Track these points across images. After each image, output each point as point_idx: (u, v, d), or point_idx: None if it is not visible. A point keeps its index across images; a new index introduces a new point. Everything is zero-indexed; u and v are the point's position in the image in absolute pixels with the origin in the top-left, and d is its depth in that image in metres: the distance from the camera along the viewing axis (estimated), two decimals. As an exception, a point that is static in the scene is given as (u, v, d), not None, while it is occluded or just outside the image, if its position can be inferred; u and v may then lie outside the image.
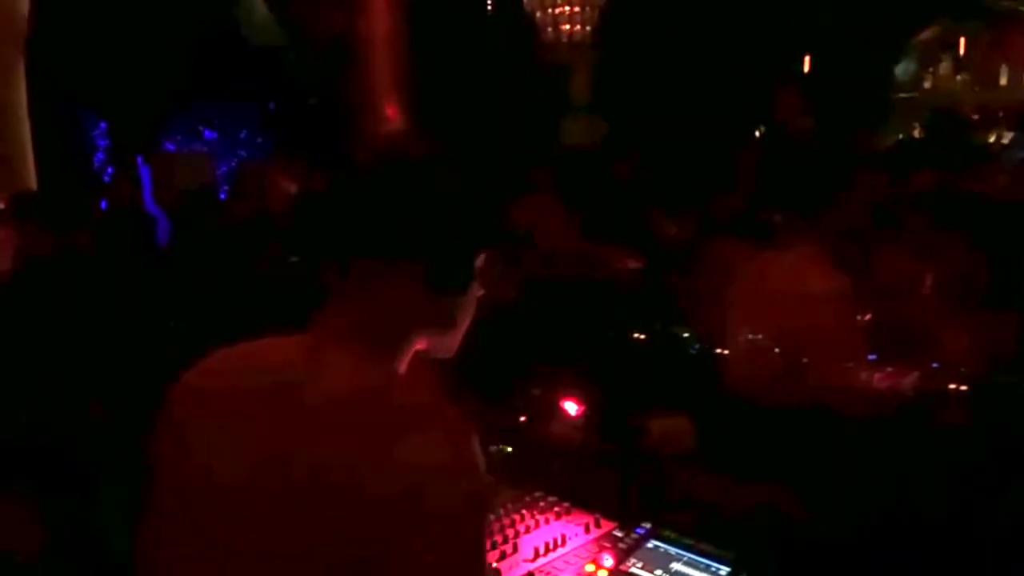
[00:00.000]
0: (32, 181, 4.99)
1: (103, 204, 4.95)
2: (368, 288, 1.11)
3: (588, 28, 5.44)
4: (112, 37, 6.01)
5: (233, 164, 6.89)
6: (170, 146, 6.48)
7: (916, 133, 6.28)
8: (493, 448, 2.24)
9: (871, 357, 2.58)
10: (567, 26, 5.28)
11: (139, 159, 5.82)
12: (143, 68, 6.10)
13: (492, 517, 1.06)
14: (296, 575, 0.99)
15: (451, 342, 1.19)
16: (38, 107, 5.16)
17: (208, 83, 6.55)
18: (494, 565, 1.58)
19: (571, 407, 2.15)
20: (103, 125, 6.31)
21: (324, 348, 1.10)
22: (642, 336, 3.10)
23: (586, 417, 2.13)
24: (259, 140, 7.00)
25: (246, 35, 6.86)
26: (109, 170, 6.27)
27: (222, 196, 6.02)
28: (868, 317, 2.55)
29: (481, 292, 1.19)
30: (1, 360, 2.68)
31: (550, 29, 5.31)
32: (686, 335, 3.13)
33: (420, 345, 1.15)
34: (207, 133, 6.76)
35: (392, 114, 4.11)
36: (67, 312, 2.96)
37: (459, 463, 1.00)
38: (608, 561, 1.64)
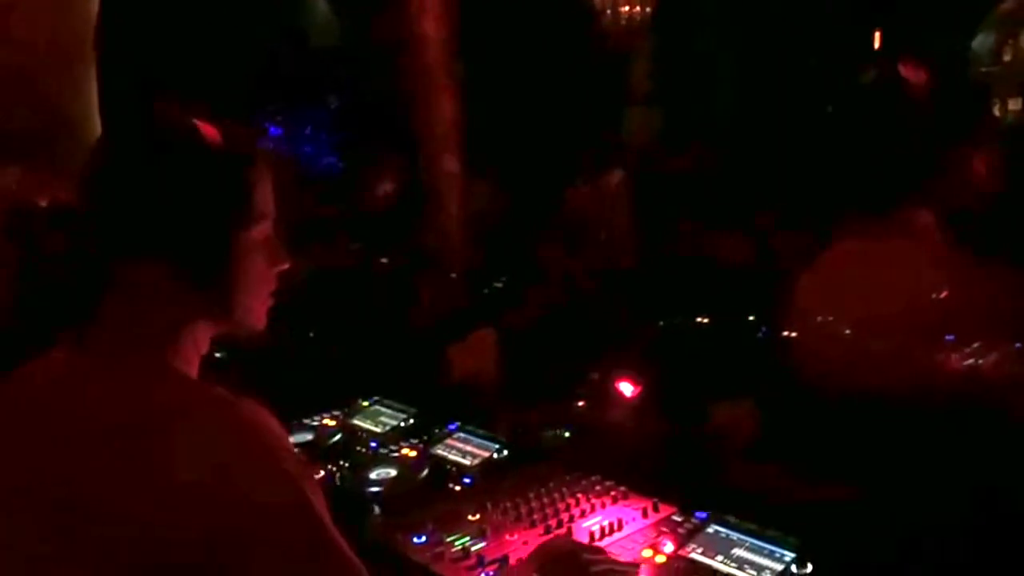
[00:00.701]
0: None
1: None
2: (123, 291, 1.06)
3: (648, 10, 5.29)
4: (181, 40, 6.14)
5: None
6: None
7: (996, 110, 6.00)
8: (549, 433, 2.20)
9: (948, 338, 2.45)
10: (626, 8, 5.14)
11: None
12: (214, 70, 6.23)
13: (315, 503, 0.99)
14: None
15: (246, 322, 1.14)
16: (110, 116, 5.30)
17: (273, 82, 6.64)
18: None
19: (627, 388, 2.10)
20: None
21: (86, 362, 1.05)
22: (706, 320, 3.02)
23: (642, 399, 2.07)
24: (323, 136, 7.10)
25: (309, 35, 6.95)
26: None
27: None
28: (944, 295, 2.42)
29: (282, 265, 1.15)
30: None
31: (608, 12, 5.18)
32: (751, 319, 3.04)
33: (210, 332, 1.12)
34: (272, 130, 6.88)
35: (448, 110, 4.11)
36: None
37: (248, 461, 0.95)
38: (667, 546, 1.58)
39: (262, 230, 1.12)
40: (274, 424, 1.01)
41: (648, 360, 2.27)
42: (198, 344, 1.12)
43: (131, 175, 1.06)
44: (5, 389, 1.10)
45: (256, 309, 1.15)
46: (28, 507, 0.97)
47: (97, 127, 5.39)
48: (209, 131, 1.07)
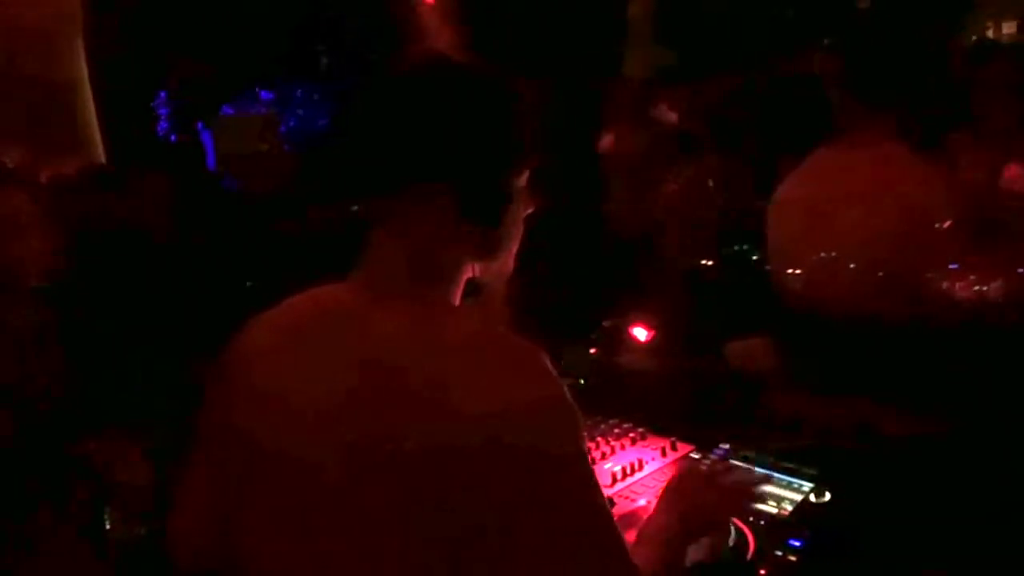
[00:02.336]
0: (100, 155, 5.11)
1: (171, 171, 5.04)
2: (402, 225, 1.05)
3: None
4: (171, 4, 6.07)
5: (292, 123, 6.91)
6: (228, 109, 6.55)
7: (991, 32, 5.93)
8: (565, 381, 2.24)
9: (952, 265, 2.47)
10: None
11: (199, 125, 5.88)
12: (204, 31, 6.16)
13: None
14: (408, 548, 0.94)
15: (503, 266, 1.14)
16: (101, 82, 5.26)
17: (263, 44, 6.56)
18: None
19: (640, 333, 2.13)
20: (163, 94, 6.43)
21: (373, 291, 1.05)
22: (711, 262, 3.04)
23: (656, 342, 2.11)
24: (316, 97, 7.02)
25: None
26: (172, 138, 6.40)
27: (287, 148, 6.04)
28: (948, 223, 2.43)
29: (529, 211, 1.14)
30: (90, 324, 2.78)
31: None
32: (755, 257, 3.06)
33: (471, 273, 1.11)
34: (263, 94, 6.82)
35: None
36: (146, 278, 3.05)
37: (546, 392, 0.96)
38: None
39: (527, 175, 1.12)
40: (551, 363, 1.01)
41: (658, 303, 2.30)
42: (462, 282, 1.11)
43: (441, 96, 1.04)
44: (284, 321, 1.11)
45: (512, 253, 1.15)
46: (363, 435, 0.97)
47: (88, 102, 5.38)
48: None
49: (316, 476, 0.99)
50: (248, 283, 3.38)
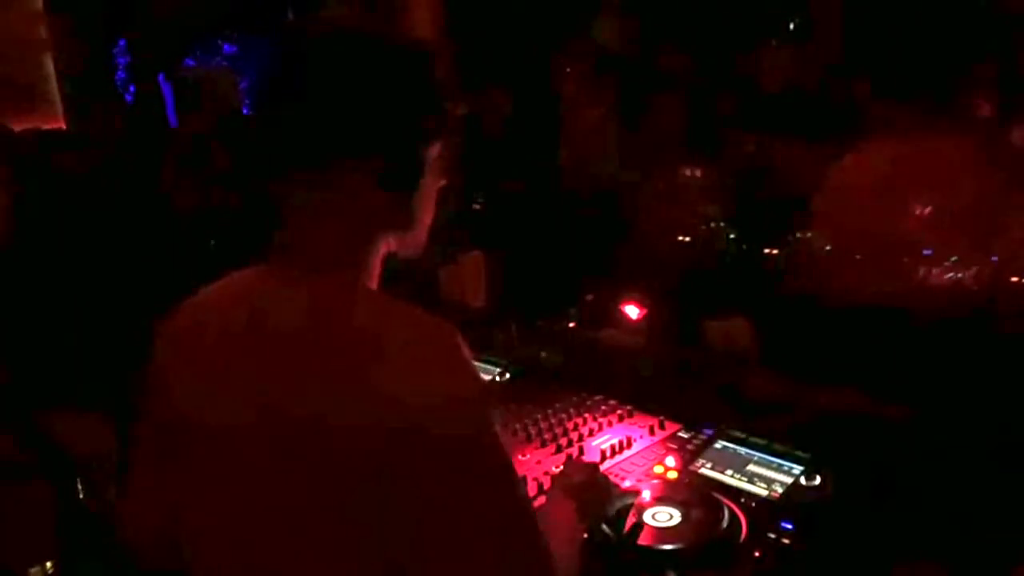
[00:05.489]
0: (58, 108, 4.96)
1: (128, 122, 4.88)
2: (318, 199, 1.03)
3: None
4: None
5: (255, 78, 6.74)
6: (189, 61, 6.35)
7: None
8: (543, 355, 2.23)
9: (926, 252, 2.51)
10: None
11: (160, 77, 5.69)
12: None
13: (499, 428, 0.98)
14: (311, 524, 0.95)
15: (417, 239, 1.13)
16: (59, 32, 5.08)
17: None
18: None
19: (632, 311, 2.12)
20: (122, 42, 6.19)
21: (294, 270, 1.03)
22: (687, 239, 3.04)
23: (647, 321, 2.10)
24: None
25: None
26: (131, 88, 6.19)
27: (246, 111, 5.91)
28: (928, 211, 2.46)
29: (442, 183, 1.13)
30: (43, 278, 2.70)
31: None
32: (732, 236, 3.07)
33: (386, 247, 1.10)
34: (226, 47, 6.62)
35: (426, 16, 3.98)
36: (106, 227, 2.97)
37: (459, 376, 0.95)
38: (676, 461, 1.63)
39: (439, 146, 1.09)
40: (465, 344, 0.99)
41: (641, 281, 2.29)
42: (380, 260, 1.10)
43: (355, 67, 1.01)
44: (207, 302, 1.10)
45: (426, 226, 1.13)
46: (268, 415, 0.97)
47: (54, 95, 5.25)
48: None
49: (240, 453, 0.99)
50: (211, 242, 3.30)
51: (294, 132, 1.02)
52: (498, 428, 0.97)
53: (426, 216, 1.12)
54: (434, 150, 1.07)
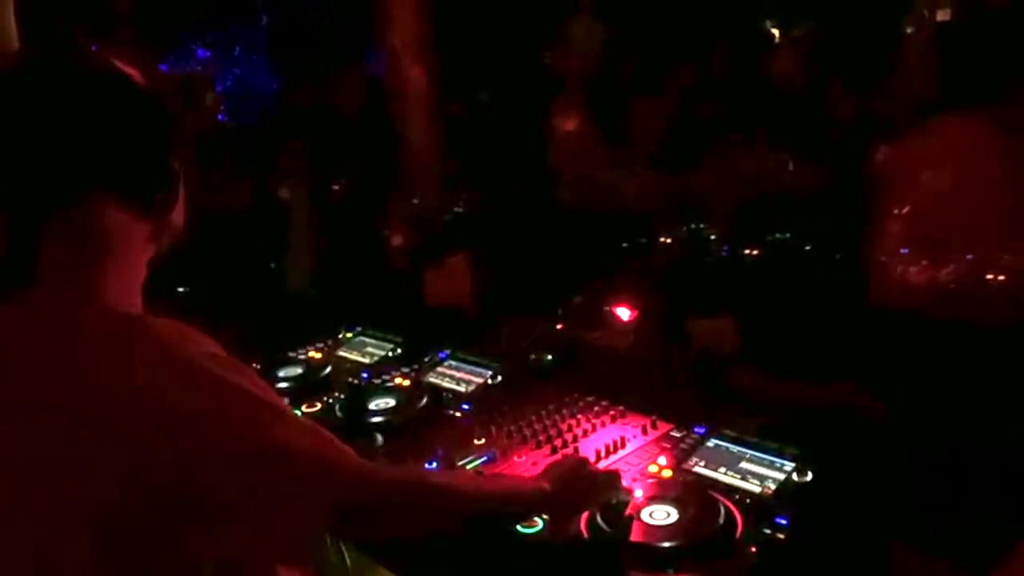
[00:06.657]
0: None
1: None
2: (65, 240, 1.06)
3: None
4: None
5: (229, 83, 6.70)
6: (163, 67, 6.31)
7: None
8: (532, 356, 2.24)
9: (903, 251, 2.55)
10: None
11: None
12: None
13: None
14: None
15: (174, 233, 1.17)
16: (31, 35, 5.00)
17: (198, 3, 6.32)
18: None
19: (623, 313, 2.14)
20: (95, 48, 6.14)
21: (35, 313, 1.06)
22: (670, 240, 3.08)
23: (637, 322, 2.13)
24: (254, 57, 6.82)
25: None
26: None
27: (220, 117, 5.89)
28: (907, 210, 2.51)
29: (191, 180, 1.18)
30: None
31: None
32: (712, 236, 3.11)
33: (149, 256, 1.14)
34: (200, 52, 6.59)
35: (411, 19, 3.97)
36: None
37: (168, 376, 0.98)
38: (669, 460, 1.65)
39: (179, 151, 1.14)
40: (192, 334, 1.03)
41: (628, 283, 2.32)
42: (141, 273, 1.14)
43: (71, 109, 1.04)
44: None
45: (181, 220, 1.18)
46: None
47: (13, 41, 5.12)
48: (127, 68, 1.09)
49: None
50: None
51: (49, 173, 1.04)
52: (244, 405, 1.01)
53: (180, 216, 1.17)
54: (176, 159, 1.12)
